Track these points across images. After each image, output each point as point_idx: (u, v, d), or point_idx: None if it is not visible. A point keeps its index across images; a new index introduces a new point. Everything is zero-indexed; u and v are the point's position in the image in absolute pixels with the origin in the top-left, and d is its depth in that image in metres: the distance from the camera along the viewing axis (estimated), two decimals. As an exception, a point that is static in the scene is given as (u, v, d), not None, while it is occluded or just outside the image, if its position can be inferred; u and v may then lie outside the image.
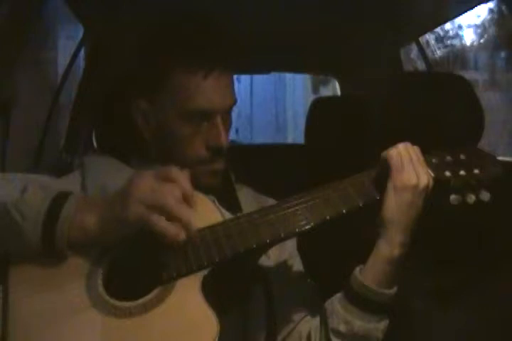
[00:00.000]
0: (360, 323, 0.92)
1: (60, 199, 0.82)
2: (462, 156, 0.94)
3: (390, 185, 0.90)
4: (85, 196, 0.89)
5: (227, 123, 1.00)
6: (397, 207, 0.89)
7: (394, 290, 0.93)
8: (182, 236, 0.79)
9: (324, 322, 0.96)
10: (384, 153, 0.92)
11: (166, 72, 0.96)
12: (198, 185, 0.97)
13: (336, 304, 0.95)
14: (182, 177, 0.81)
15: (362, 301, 0.92)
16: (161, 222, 0.78)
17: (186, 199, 0.81)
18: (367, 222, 0.92)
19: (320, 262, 1.18)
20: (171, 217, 0.79)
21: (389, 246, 0.91)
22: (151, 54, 0.99)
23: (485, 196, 0.92)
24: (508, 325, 1.11)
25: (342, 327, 0.94)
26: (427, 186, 0.90)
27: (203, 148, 0.98)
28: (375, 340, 0.94)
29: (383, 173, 0.91)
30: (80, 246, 0.82)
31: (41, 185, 0.85)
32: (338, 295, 0.96)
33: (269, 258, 1.04)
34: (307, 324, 1.01)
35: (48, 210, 0.81)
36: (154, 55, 0.98)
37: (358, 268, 0.94)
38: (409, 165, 0.90)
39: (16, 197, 0.81)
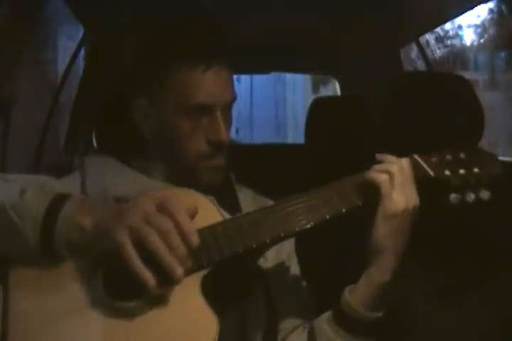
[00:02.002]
0: None
1: (59, 201, 0.82)
2: (462, 155, 0.94)
3: (379, 215, 0.88)
4: (84, 198, 0.89)
5: (228, 120, 1.00)
6: (386, 235, 0.88)
7: (382, 312, 0.91)
8: (151, 284, 0.76)
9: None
10: (371, 177, 0.89)
11: (166, 70, 0.96)
12: (198, 183, 0.97)
13: (323, 323, 0.94)
14: (181, 213, 0.79)
15: (349, 322, 0.91)
16: (134, 260, 0.75)
17: (182, 234, 0.78)
18: (366, 223, 0.92)
19: (318, 264, 1.18)
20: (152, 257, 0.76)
21: (380, 273, 0.89)
22: (151, 53, 0.99)
23: (485, 195, 0.91)
24: (508, 325, 1.11)
25: None
26: (415, 207, 0.88)
27: (204, 143, 0.98)
28: None
29: (372, 199, 0.89)
30: (79, 248, 0.82)
31: (41, 186, 0.85)
32: (327, 314, 0.95)
33: (267, 260, 1.03)
34: (296, 337, 1.00)
35: (47, 211, 0.80)
36: (154, 53, 0.98)
37: (348, 289, 0.92)
38: (397, 189, 0.87)
39: (15, 199, 0.81)
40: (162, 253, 0.76)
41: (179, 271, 0.76)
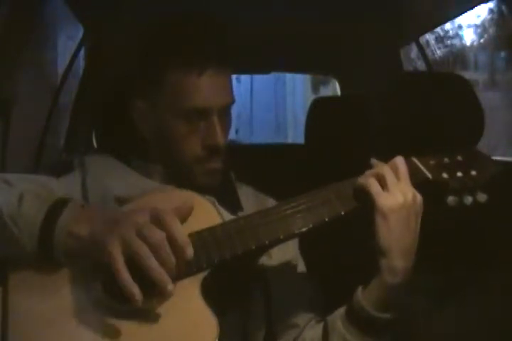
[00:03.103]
0: None
1: (58, 207, 0.82)
2: (459, 158, 0.94)
3: (376, 215, 0.87)
4: (83, 204, 0.89)
5: (226, 123, 1.00)
6: (389, 233, 0.86)
7: (394, 313, 0.90)
8: (138, 297, 0.75)
9: (325, 338, 0.95)
10: (360, 182, 0.89)
11: (164, 72, 0.96)
12: (196, 184, 0.97)
13: (337, 320, 0.93)
14: (175, 224, 0.78)
15: (360, 321, 0.90)
16: (122, 274, 0.75)
17: (174, 247, 0.77)
18: (367, 224, 0.92)
19: (321, 266, 1.18)
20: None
21: (392, 275, 0.88)
22: (150, 54, 0.99)
23: (482, 197, 0.91)
24: (506, 325, 1.11)
25: None
26: (416, 200, 0.88)
27: (200, 147, 0.97)
28: None
29: (369, 201, 0.88)
30: (77, 254, 0.82)
31: (38, 191, 0.85)
32: (341, 310, 0.94)
33: (271, 258, 1.03)
34: (311, 331, 1.00)
35: (45, 219, 0.80)
36: (153, 55, 0.98)
37: (360, 289, 0.92)
38: (390, 185, 0.87)
39: (12, 208, 0.81)
40: (152, 268, 0.76)
41: (170, 286, 0.76)
